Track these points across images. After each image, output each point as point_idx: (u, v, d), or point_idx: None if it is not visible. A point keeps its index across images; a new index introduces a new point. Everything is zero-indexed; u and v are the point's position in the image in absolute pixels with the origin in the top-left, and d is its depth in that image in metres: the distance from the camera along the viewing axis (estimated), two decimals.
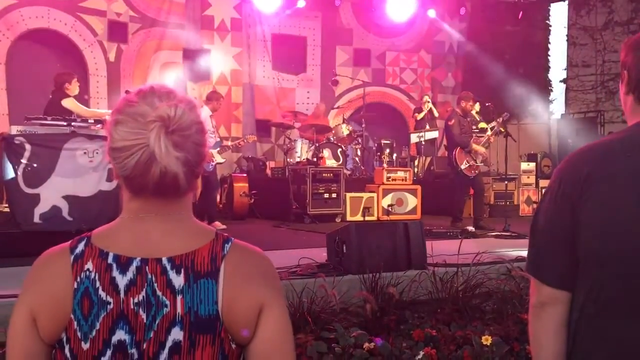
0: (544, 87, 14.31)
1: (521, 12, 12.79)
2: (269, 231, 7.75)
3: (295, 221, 8.54)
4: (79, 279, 1.15)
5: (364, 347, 3.26)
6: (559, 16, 14.42)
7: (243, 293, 1.18)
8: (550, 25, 14.26)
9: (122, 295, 1.15)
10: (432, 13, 12.81)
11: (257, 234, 7.33)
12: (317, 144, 9.47)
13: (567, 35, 14.10)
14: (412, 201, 9.35)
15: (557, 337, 1.43)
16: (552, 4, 14.07)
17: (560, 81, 14.41)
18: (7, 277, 4.12)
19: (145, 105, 1.17)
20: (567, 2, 13.97)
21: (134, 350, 1.14)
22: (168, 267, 1.16)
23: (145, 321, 1.14)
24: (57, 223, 5.25)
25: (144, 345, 1.14)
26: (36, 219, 5.24)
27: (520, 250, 5.26)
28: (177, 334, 1.14)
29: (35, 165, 5.26)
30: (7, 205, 5.73)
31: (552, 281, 1.43)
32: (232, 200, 8.96)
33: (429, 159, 11.07)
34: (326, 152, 9.53)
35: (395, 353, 3.28)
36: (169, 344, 1.14)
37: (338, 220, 8.75)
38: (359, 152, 10.55)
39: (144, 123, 1.14)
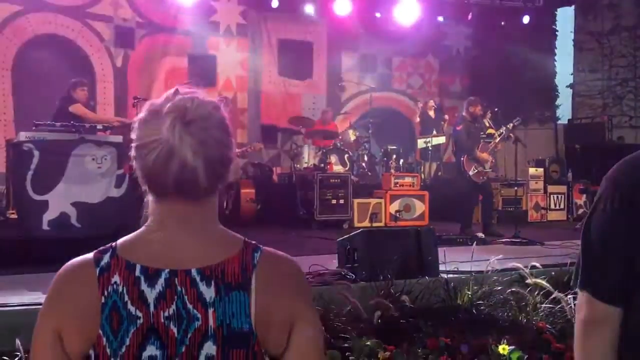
0: (551, 92, 14.28)
1: (528, 17, 12.76)
2: (276, 237, 7.68)
3: (303, 227, 8.49)
4: (106, 293, 1.11)
5: (379, 356, 3.21)
6: (565, 21, 14.42)
7: (276, 305, 1.15)
8: (557, 30, 14.24)
9: (151, 309, 1.11)
10: (439, 18, 12.81)
11: (265, 240, 7.18)
12: (324, 150, 9.43)
13: (573, 40, 14.08)
14: (420, 207, 9.29)
15: (608, 356, 1.35)
16: (558, 9, 14.05)
17: (567, 86, 14.38)
18: (16, 285, 4.09)
19: (168, 103, 1.15)
20: (573, 7, 13.95)
21: None
22: (198, 279, 1.13)
23: (176, 336, 1.10)
24: (66, 230, 5.22)
25: None
26: (44, 226, 5.21)
27: (533, 258, 5.20)
28: (209, 348, 1.11)
29: (43, 171, 5.23)
30: (15, 212, 5.71)
31: (607, 297, 1.35)
32: (239, 206, 8.92)
33: (435, 165, 11.01)
34: (333, 158, 9.48)
35: None
36: (201, 359, 1.11)
37: (345, 226, 8.69)
38: (365, 158, 10.50)
39: (162, 116, 1.12)
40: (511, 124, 8.14)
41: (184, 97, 1.14)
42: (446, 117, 11.19)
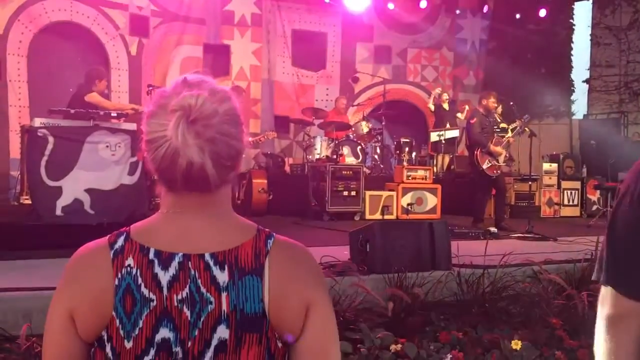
0: (566, 87, 14.13)
1: (544, 11, 12.61)
2: (288, 228, 7.68)
3: (314, 218, 8.49)
4: (119, 275, 1.11)
5: (391, 348, 3.19)
6: (582, 15, 14.25)
7: (290, 291, 1.14)
8: (574, 24, 14.08)
9: (165, 292, 1.10)
10: (455, 10, 12.71)
11: (276, 230, 7.11)
12: (336, 141, 9.40)
13: (590, 35, 13.91)
14: (432, 200, 9.25)
15: (633, 353, 1.33)
16: (576, 3, 13.89)
17: (583, 81, 14.22)
18: (29, 270, 4.12)
19: (175, 96, 1.13)
20: (591, 1, 13.77)
21: (178, 349, 1.10)
22: (211, 263, 1.12)
23: (189, 319, 1.10)
24: (79, 216, 5.25)
25: (189, 344, 1.10)
26: (58, 212, 5.24)
27: (546, 253, 5.16)
28: (223, 332, 1.10)
29: (57, 157, 5.25)
30: (29, 197, 5.74)
31: (632, 292, 1.31)
32: (251, 196, 8.93)
33: (448, 158, 10.95)
34: (346, 150, 9.45)
35: (422, 355, 3.22)
36: (214, 342, 1.10)
37: (357, 218, 8.69)
38: (378, 150, 10.46)
39: (168, 113, 1.10)
40: (522, 120, 8.02)
41: (189, 94, 1.11)
42: (466, 107, 11.08)
